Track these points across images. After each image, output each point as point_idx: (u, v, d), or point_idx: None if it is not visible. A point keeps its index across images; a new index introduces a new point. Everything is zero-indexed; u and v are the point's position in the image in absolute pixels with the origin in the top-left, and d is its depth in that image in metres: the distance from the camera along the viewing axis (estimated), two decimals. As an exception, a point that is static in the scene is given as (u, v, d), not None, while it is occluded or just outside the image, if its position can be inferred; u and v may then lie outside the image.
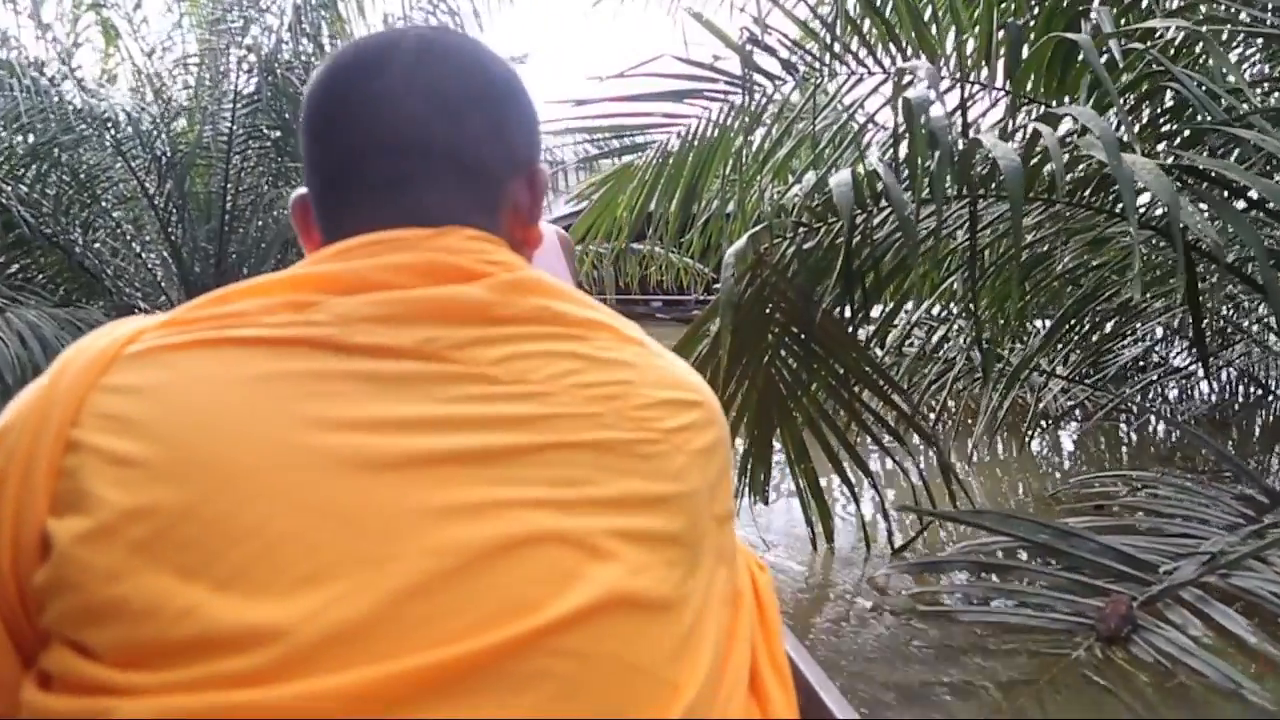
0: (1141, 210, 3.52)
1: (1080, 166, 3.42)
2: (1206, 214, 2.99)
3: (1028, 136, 3.14)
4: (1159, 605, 2.38)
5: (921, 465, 3.36)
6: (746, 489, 3.01)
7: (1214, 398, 5.62)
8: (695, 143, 3.83)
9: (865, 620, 2.63)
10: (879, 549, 3.15)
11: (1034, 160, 3.02)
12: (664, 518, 0.55)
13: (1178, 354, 5.43)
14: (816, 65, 3.53)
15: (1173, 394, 5.77)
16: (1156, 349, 5.41)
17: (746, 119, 3.57)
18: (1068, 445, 5.17)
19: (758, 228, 2.81)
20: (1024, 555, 2.83)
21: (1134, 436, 5.26)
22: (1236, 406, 5.49)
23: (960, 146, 2.87)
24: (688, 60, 3.56)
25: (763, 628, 0.65)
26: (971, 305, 3.76)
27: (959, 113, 3.21)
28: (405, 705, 0.45)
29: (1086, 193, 3.39)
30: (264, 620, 0.45)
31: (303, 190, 0.68)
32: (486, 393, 0.53)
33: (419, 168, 0.62)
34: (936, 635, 2.44)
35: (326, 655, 0.45)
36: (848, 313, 3.12)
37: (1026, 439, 4.73)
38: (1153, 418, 5.30)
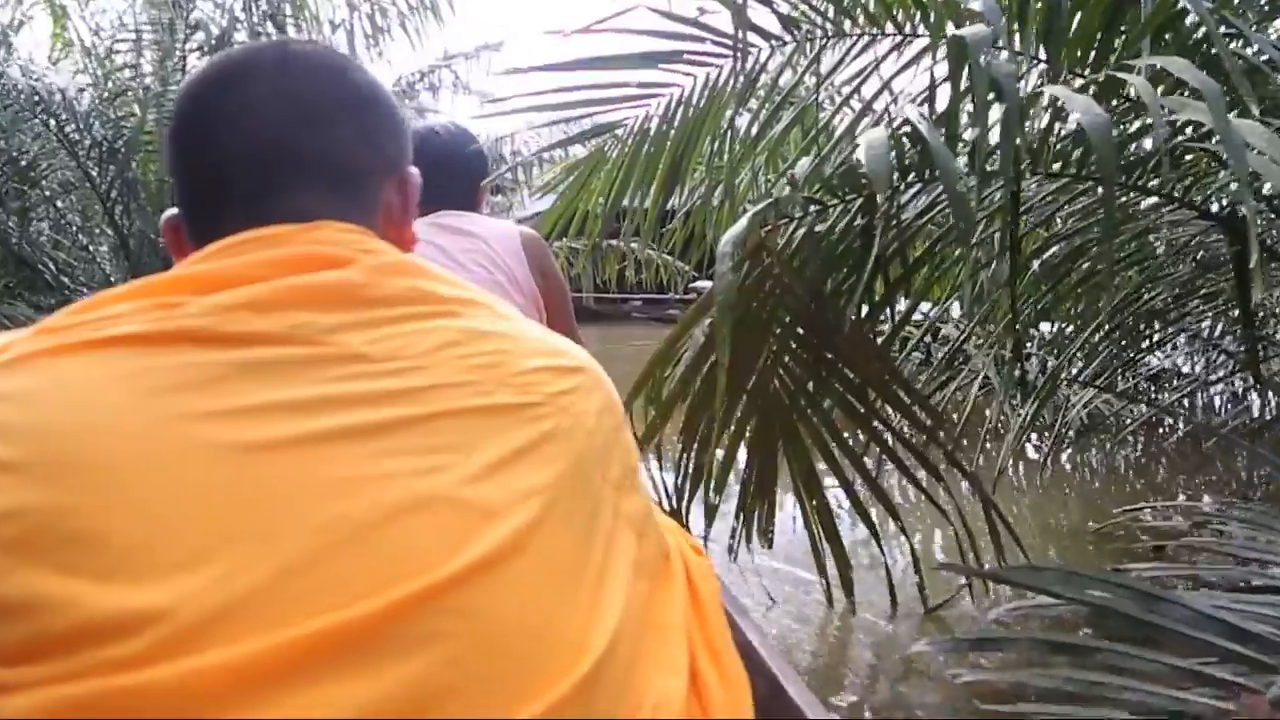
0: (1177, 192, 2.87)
1: (1133, 145, 2.79)
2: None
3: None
4: (1296, 702, 1.69)
5: (927, 483, 2.62)
6: (744, 531, 2.30)
7: (1222, 408, 4.98)
8: (675, 119, 3.09)
9: (906, 713, 1.92)
10: (906, 603, 2.43)
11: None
12: (552, 478, 0.52)
13: (1199, 363, 4.78)
14: (822, 24, 2.83)
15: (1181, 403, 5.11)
16: (1175, 357, 4.75)
17: (738, 84, 2.86)
18: (1076, 460, 4.51)
19: (761, 204, 2.11)
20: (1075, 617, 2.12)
21: (1140, 451, 4.62)
22: (1250, 419, 4.82)
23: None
24: (667, 14, 2.82)
25: (696, 614, 0.60)
26: (998, 305, 3.09)
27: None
28: (292, 675, 0.42)
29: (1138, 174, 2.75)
30: (146, 604, 0.42)
31: (173, 211, 0.65)
32: (361, 371, 0.51)
33: (288, 175, 0.60)
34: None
35: (211, 633, 0.42)
36: (864, 311, 2.44)
37: (1049, 458, 4.07)
38: (1166, 429, 4.66)
